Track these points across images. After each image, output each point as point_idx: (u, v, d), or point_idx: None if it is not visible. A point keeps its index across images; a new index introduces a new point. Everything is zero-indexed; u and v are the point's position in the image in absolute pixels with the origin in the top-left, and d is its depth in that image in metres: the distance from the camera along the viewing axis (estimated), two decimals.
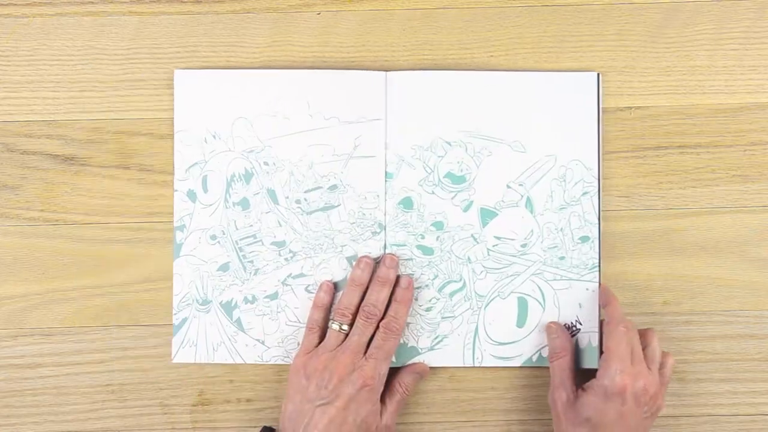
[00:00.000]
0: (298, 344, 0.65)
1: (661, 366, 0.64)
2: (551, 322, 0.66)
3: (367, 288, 0.64)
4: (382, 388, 0.62)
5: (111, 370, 0.67)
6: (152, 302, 0.67)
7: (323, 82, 0.67)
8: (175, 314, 0.66)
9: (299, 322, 0.66)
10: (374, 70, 0.67)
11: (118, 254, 0.67)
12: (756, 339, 0.67)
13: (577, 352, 0.66)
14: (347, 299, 0.63)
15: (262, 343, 0.67)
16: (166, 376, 0.67)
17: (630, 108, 0.68)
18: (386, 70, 0.67)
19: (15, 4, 0.68)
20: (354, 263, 0.65)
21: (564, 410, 0.62)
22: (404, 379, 0.64)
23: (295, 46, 0.68)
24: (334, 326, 0.62)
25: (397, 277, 0.65)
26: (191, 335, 0.67)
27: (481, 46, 0.68)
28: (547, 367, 0.66)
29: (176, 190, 0.67)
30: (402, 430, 0.67)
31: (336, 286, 0.66)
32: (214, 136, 0.67)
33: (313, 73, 0.67)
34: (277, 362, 0.66)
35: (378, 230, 0.66)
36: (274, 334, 0.67)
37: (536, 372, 0.67)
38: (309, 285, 0.66)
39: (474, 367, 0.67)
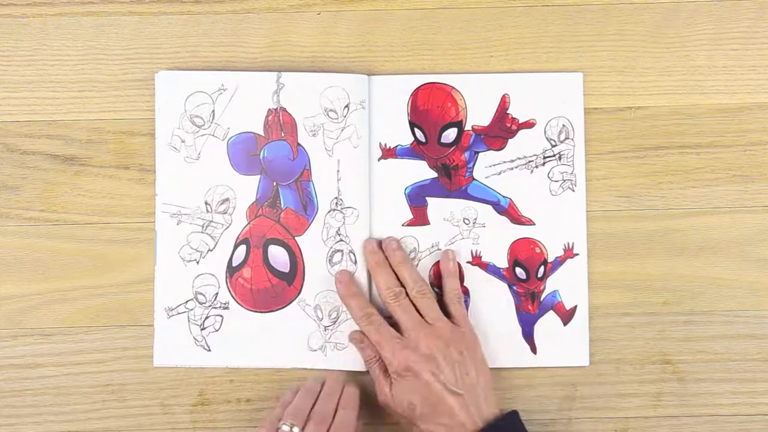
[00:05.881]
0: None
1: (444, 296, 0.65)
2: (352, 332, 0.66)
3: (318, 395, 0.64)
4: None
5: (111, 370, 0.67)
6: (152, 302, 0.67)
7: (308, 84, 0.67)
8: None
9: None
10: (373, 70, 0.67)
11: (118, 254, 0.67)
12: (756, 339, 0.67)
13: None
14: (300, 403, 0.62)
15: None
16: (166, 376, 0.67)
17: (630, 108, 0.68)
18: (385, 73, 0.67)
19: (15, 4, 0.68)
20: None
21: (394, 407, 0.62)
22: None
23: (295, 46, 0.68)
24: (285, 427, 0.60)
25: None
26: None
27: (481, 46, 0.68)
28: (543, 368, 0.67)
29: (157, 194, 0.67)
30: (402, 431, 0.67)
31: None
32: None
33: (298, 75, 0.67)
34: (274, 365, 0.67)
35: None
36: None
37: (536, 372, 0.67)
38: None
39: None
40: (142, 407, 0.67)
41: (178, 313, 0.67)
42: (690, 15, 0.68)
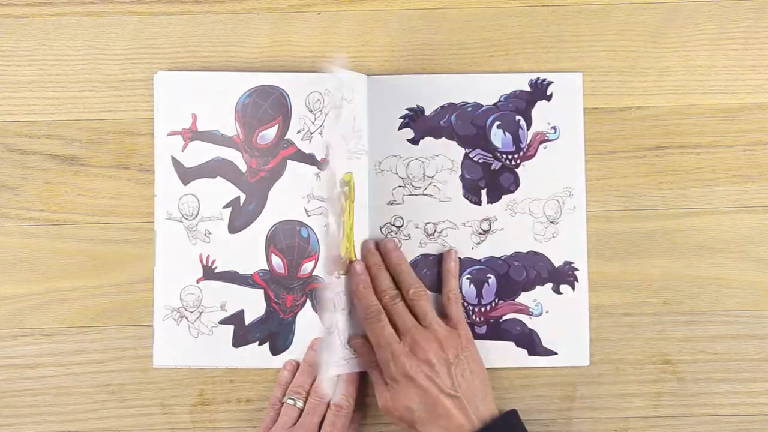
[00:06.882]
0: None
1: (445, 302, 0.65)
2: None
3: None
4: None
5: (111, 370, 0.67)
6: (152, 302, 0.67)
7: (305, 84, 0.67)
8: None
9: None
10: (373, 70, 0.67)
11: (118, 254, 0.67)
12: (756, 339, 0.67)
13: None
14: (301, 378, 0.65)
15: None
16: (166, 376, 0.67)
17: (630, 108, 0.68)
18: (384, 73, 0.67)
19: (15, 4, 0.68)
20: (309, 345, 0.66)
21: (393, 412, 0.62)
22: None
23: (295, 46, 0.68)
24: (289, 401, 0.64)
25: None
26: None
27: (481, 46, 0.68)
28: (543, 368, 0.67)
29: (156, 195, 0.67)
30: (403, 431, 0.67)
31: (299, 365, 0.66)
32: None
33: (295, 75, 0.67)
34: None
35: None
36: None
37: (536, 372, 0.67)
38: None
39: None
40: (142, 407, 0.67)
41: (179, 314, 0.67)
42: (690, 15, 0.68)
